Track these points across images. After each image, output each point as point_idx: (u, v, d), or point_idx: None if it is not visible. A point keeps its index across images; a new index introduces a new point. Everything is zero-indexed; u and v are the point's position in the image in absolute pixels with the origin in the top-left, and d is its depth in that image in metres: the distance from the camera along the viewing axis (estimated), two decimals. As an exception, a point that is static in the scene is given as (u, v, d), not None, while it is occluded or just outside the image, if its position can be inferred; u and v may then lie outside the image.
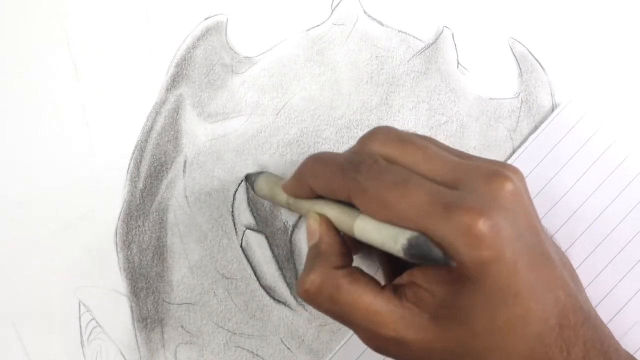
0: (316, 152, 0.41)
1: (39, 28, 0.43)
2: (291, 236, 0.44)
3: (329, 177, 0.35)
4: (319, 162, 0.36)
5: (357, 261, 0.39)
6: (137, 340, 0.43)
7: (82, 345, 0.42)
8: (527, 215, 0.33)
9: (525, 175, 0.35)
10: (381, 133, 0.36)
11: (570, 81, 0.45)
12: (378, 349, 0.35)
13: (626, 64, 0.45)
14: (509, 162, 0.44)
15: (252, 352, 0.43)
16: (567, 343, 0.32)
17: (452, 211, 0.31)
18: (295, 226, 0.44)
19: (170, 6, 0.44)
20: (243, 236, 0.43)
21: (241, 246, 0.43)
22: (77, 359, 0.42)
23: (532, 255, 0.32)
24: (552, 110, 0.45)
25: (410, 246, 0.31)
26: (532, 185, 0.38)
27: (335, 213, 0.36)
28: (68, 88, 0.43)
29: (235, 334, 0.43)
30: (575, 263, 0.42)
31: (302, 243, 0.44)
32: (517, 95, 0.45)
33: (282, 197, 0.39)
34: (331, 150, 0.44)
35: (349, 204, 0.35)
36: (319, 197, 0.37)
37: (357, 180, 0.33)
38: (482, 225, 0.31)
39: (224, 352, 0.43)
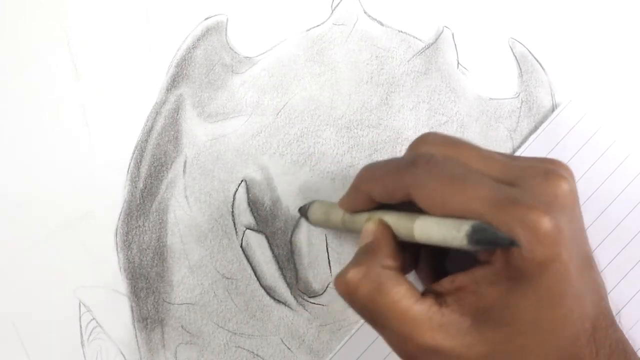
0: (368, 163, 0.40)
1: (39, 28, 0.43)
2: (291, 236, 0.44)
3: (387, 178, 0.35)
4: (373, 167, 0.36)
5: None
6: (137, 341, 0.43)
7: (82, 345, 0.42)
8: (578, 216, 0.33)
9: None
10: (430, 136, 0.35)
11: (570, 81, 0.45)
12: (410, 358, 0.34)
13: (626, 64, 0.45)
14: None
15: (253, 352, 0.43)
16: (597, 344, 0.32)
17: (517, 206, 0.31)
18: (295, 226, 0.44)
19: (170, 6, 0.44)
20: (243, 236, 0.43)
21: (241, 246, 0.43)
22: (77, 359, 0.42)
23: (580, 257, 0.33)
24: (552, 110, 0.45)
25: (474, 231, 0.31)
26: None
27: (393, 219, 0.35)
28: (68, 88, 0.43)
29: (235, 334, 0.43)
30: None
31: (302, 243, 0.44)
32: (517, 95, 0.45)
33: (338, 217, 0.39)
34: (332, 150, 0.44)
35: (407, 212, 0.35)
36: (376, 209, 0.36)
37: (415, 175, 0.33)
38: (548, 223, 0.31)
39: (224, 352, 0.43)
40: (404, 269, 0.36)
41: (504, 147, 0.44)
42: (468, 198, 0.32)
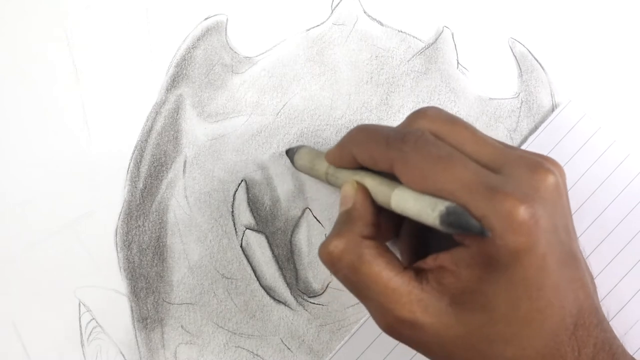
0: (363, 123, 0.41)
1: (39, 28, 0.43)
2: (291, 236, 0.44)
3: (374, 146, 0.35)
4: (364, 131, 0.36)
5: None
6: (137, 340, 0.43)
7: (82, 345, 0.42)
8: (563, 211, 0.33)
9: None
10: (431, 111, 0.36)
11: (570, 81, 0.45)
12: (389, 329, 0.34)
13: (626, 63, 0.45)
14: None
15: (252, 352, 0.43)
16: (579, 343, 0.32)
17: (495, 193, 0.31)
18: (295, 226, 0.44)
19: (170, 6, 0.44)
20: (243, 236, 0.43)
21: (241, 246, 0.43)
22: (77, 359, 0.42)
23: (561, 252, 0.32)
24: (552, 110, 0.45)
25: (448, 213, 0.31)
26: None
27: (374, 183, 0.35)
28: (68, 88, 0.43)
29: (235, 334, 0.43)
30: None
31: (302, 243, 0.43)
32: (517, 95, 0.45)
33: (322, 168, 0.39)
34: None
35: (389, 178, 0.35)
36: (360, 169, 0.36)
37: (401, 150, 0.33)
38: (524, 212, 0.31)
39: (224, 352, 0.43)
40: (385, 237, 0.37)
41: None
42: (449, 180, 0.32)
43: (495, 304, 0.32)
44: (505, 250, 0.31)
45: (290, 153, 0.42)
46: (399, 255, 0.40)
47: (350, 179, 0.37)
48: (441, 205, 0.32)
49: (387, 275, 0.34)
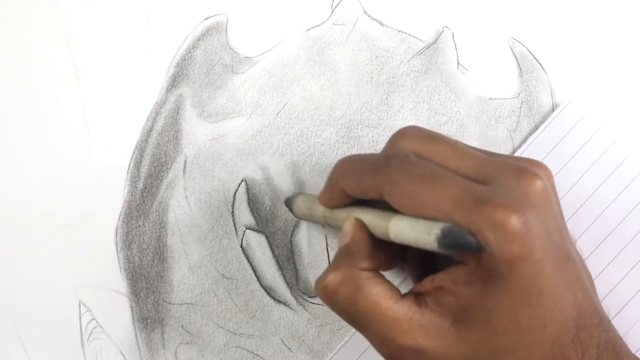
0: (347, 155, 0.41)
1: (39, 28, 0.43)
2: (291, 236, 0.43)
3: (360, 175, 0.35)
4: (348, 162, 0.36)
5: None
6: (137, 341, 0.43)
7: (82, 345, 0.42)
8: (554, 214, 0.33)
9: None
10: (411, 130, 0.36)
11: (570, 81, 0.45)
12: (392, 358, 0.34)
13: (626, 64, 0.45)
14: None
15: (253, 352, 0.43)
16: (582, 344, 0.32)
17: (486, 205, 0.31)
18: (295, 226, 0.44)
19: (170, 6, 0.44)
20: (243, 236, 0.43)
21: (241, 246, 0.43)
22: (77, 359, 0.42)
23: (556, 255, 0.32)
24: (553, 110, 0.45)
25: (444, 235, 0.31)
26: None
27: (370, 218, 0.35)
28: (68, 88, 0.43)
29: (235, 334, 0.43)
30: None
31: (302, 243, 0.43)
32: (517, 95, 0.45)
33: (319, 212, 0.39)
34: (332, 150, 0.44)
35: (384, 210, 0.35)
36: (355, 205, 0.37)
37: (387, 174, 0.33)
38: (516, 221, 0.31)
39: (224, 352, 0.43)
40: (385, 267, 0.37)
41: (504, 147, 0.44)
42: (438, 198, 0.32)
43: (496, 316, 0.32)
44: (501, 261, 0.31)
45: (288, 202, 0.42)
46: (410, 279, 0.40)
47: (347, 217, 0.37)
48: (436, 229, 0.32)
49: (386, 304, 0.33)
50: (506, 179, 0.33)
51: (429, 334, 0.33)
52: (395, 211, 0.34)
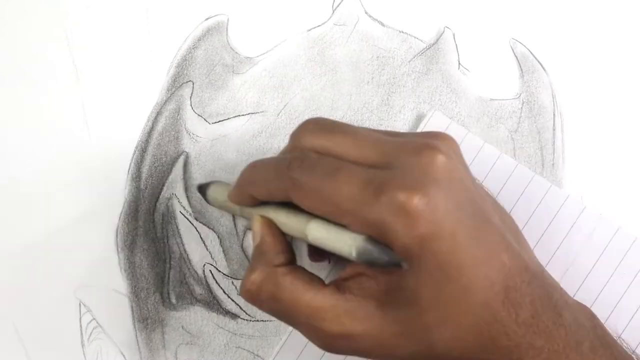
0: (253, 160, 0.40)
1: (39, 28, 0.43)
2: (292, 237, 0.43)
3: (265, 182, 0.35)
4: (254, 168, 0.36)
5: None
6: (137, 341, 0.43)
7: (83, 345, 0.42)
8: (462, 184, 0.33)
9: None
10: (310, 124, 0.35)
11: (571, 82, 0.45)
12: (327, 346, 0.34)
13: (627, 64, 0.45)
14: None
15: (253, 353, 0.43)
16: (514, 305, 0.32)
17: (384, 192, 0.31)
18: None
19: (170, 6, 0.44)
20: (244, 237, 0.43)
21: (242, 247, 0.43)
22: (77, 359, 0.42)
23: (472, 224, 0.32)
24: (553, 110, 0.45)
25: (360, 254, 0.31)
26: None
27: (284, 219, 0.35)
28: (68, 88, 0.43)
29: (235, 334, 0.43)
30: (577, 262, 0.42)
31: (302, 243, 0.43)
32: (518, 96, 0.45)
33: (233, 204, 0.38)
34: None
35: (297, 210, 0.35)
36: (267, 204, 0.36)
37: (291, 178, 0.33)
38: (417, 202, 0.30)
39: (224, 353, 0.43)
40: (313, 259, 0.37)
41: (505, 148, 0.44)
42: (339, 193, 0.32)
43: (420, 295, 0.32)
44: (411, 245, 0.31)
45: (202, 189, 0.41)
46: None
47: (257, 214, 0.37)
48: (353, 247, 0.32)
49: (308, 295, 0.34)
50: (406, 158, 0.32)
51: (355, 318, 0.33)
52: (309, 214, 0.34)
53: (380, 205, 0.31)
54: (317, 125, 0.35)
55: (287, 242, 0.36)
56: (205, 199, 0.41)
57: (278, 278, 0.34)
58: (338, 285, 0.34)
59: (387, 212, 0.30)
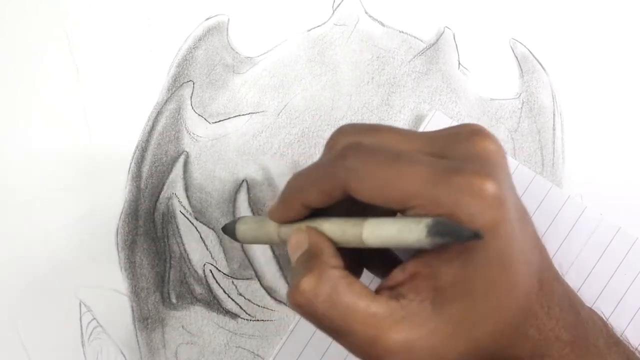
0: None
1: (39, 28, 0.43)
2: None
3: (317, 183, 0.32)
4: (299, 176, 0.34)
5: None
6: (137, 340, 0.43)
7: (83, 345, 0.42)
8: (509, 172, 0.32)
9: None
10: (347, 127, 0.34)
11: (571, 82, 0.45)
12: None
13: (626, 64, 0.45)
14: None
15: (253, 353, 0.43)
16: (546, 298, 0.32)
17: (458, 176, 0.30)
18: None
19: (171, 6, 0.44)
20: (244, 236, 0.43)
21: (242, 247, 0.43)
22: (77, 359, 0.42)
23: (520, 214, 0.32)
24: (553, 110, 0.45)
25: (434, 233, 0.29)
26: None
27: (335, 226, 0.33)
28: (68, 88, 0.43)
29: (236, 334, 0.43)
30: (577, 262, 0.42)
31: (303, 243, 0.43)
32: (518, 95, 0.45)
33: (271, 230, 0.35)
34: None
35: (349, 217, 0.33)
36: (310, 217, 0.34)
37: (346, 167, 0.31)
38: (492, 186, 0.29)
39: (224, 352, 0.43)
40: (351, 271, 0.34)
41: (505, 148, 0.44)
42: (408, 179, 0.30)
43: (474, 285, 0.31)
44: (484, 227, 0.29)
45: (228, 230, 0.38)
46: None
47: (299, 228, 0.34)
48: (423, 230, 0.29)
49: (365, 302, 0.31)
50: (462, 147, 0.31)
51: (414, 323, 0.31)
52: (361, 216, 0.32)
53: (454, 187, 0.29)
54: (354, 127, 0.34)
55: (337, 249, 0.33)
56: (235, 238, 0.38)
57: (336, 280, 0.31)
58: (390, 291, 0.32)
59: (462, 193, 0.29)
